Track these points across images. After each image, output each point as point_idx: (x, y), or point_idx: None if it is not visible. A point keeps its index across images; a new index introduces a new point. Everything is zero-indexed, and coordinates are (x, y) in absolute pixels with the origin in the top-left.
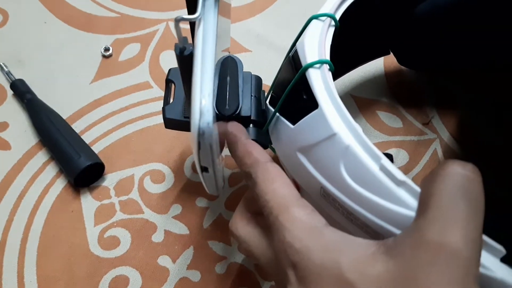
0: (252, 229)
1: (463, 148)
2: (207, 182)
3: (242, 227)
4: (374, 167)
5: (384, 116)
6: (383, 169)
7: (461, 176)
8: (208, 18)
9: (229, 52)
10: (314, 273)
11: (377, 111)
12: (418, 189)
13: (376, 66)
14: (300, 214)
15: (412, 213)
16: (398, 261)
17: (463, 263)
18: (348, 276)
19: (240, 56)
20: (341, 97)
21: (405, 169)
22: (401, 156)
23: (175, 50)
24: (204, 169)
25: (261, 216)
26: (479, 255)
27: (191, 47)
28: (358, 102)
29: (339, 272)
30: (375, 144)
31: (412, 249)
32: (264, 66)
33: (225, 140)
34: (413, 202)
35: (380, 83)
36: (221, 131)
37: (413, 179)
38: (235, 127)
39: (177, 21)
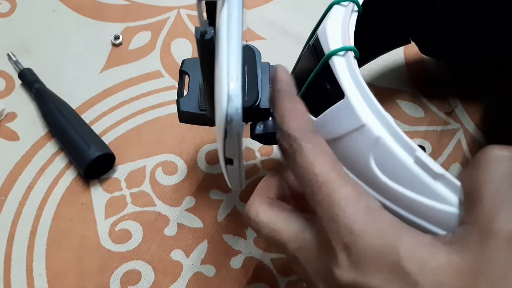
0: (277, 213)
1: (488, 138)
2: (230, 176)
3: (264, 211)
4: (408, 159)
5: (405, 106)
6: (418, 161)
7: (507, 159)
8: None
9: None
10: (369, 257)
11: (398, 100)
12: (458, 182)
13: (396, 54)
14: (356, 192)
15: (452, 209)
16: (463, 254)
17: None
18: (406, 265)
19: (254, 44)
20: None
21: None
22: (425, 146)
23: (196, 34)
24: (228, 161)
25: (283, 201)
26: None
27: (212, 31)
28: (377, 91)
29: (397, 259)
30: None
31: (479, 241)
32: (279, 53)
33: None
34: (453, 198)
35: (401, 72)
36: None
37: None
38: (284, 75)
39: (200, 1)
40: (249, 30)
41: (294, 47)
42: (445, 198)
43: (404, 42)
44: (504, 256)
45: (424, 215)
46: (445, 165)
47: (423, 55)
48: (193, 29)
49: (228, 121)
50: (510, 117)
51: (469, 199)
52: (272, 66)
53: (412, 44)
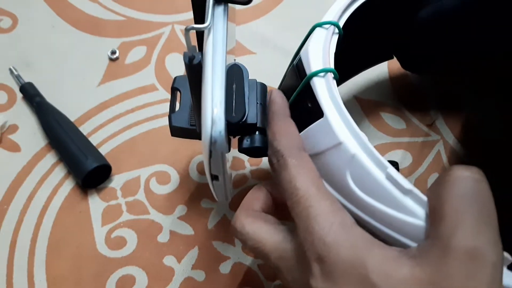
0: (261, 225)
1: (467, 149)
2: (217, 190)
3: (250, 223)
4: (380, 176)
5: (388, 118)
6: (389, 177)
7: (470, 179)
8: (217, 27)
9: (234, 54)
10: (341, 269)
11: (381, 113)
12: (424, 198)
13: (380, 68)
14: (332, 207)
15: (419, 222)
16: (425, 267)
17: (491, 267)
18: (373, 278)
19: (244, 58)
20: (346, 99)
21: (409, 171)
22: (405, 157)
23: (184, 59)
24: (214, 177)
25: (267, 213)
26: (503, 259)
27: (200, 56)
28: (362, 104)
29: (365, 272)
30: (379, 145)
31: (439, 256)
32: (268, 68)
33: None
34: (420, 211)
35: (384, 85)
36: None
37: (417, 180)
38: (279, 98)
39: (187, 30)
40: (240, 44)
41: (283, 62)
42: (413, 211)
43: (387, 57)
44: (461, 270)
45: (395, 227)
46: (425, 175)
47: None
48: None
49: (212, 142)
50: (488, 129)
51: (434, 215)
52: (259, 83)
53: (395, 58)
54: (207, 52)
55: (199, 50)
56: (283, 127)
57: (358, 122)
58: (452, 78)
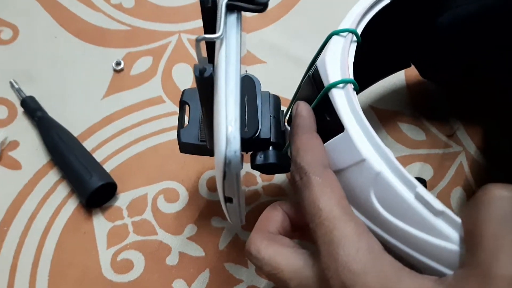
0: (278, 249)
1: (490, 161)
2: (230, 213)
3: (266, 247)
4: (408, 195)
5: (407, 128)
6: (418, 197)
7: (507, 199)
8: (230, 37)
9: (245, 63)
10: None
11: (399, 123)
12: (458, 219)
13: (397, 77)
14: (358, 231)
15: (452, 246)
16: None
17: None
18: None
19: (254, 67)
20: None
21: (430, 184)
22: (426, 170)
23: (194, 72)
24: (228, 200)
25: (284, 235)
26: None
27: (211, 68)
28: (378, 114)
29: None
30: (397, 158)
31: (478, 285)
32: (280, 77)
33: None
34: (454, 234)
35: (402, 94)
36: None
37: (439, 194)
38: (305, 111)
39: (198, 41)
40: (250, 54)
41: (295, 71)
42: (446, 235)
43: (405, 66)
44: None
45: (425, 251)
46: (447, 189)
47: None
48: (194, 54)
49: (227, 163)
50: (509, 139)
51: (470, 239)
52: (272, 95)
53: (413, 66)
54: (219, 64)
55: (209, 62)
56: (307, 142)
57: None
58: (470, 88)
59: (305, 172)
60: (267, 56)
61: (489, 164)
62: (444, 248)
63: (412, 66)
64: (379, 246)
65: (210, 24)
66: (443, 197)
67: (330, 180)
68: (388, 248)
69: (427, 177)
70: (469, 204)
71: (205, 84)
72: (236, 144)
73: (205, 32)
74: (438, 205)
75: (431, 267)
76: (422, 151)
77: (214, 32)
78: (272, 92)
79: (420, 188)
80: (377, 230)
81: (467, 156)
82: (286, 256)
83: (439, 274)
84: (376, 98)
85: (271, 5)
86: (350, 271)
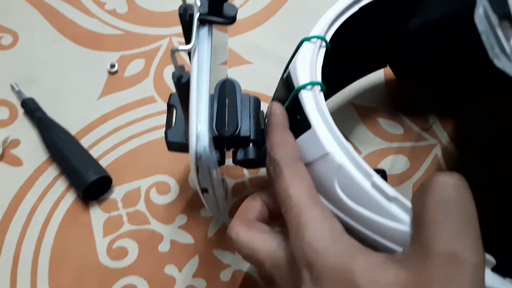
0: (255, 234)
1: (463, 153)
2: (208, 202)
3: (244, 233)
4: (366, 184)
5: (385, 123)
6: (374, 185)
7: (450, 186)
8: (202, 48)
9: (227, 65)
10: (328, 275)
11: (378, 118)
12: (409, 204)
13: (376, 74)
14: (323, 215)
15: (404, 227)
16: (408, 272)
17: (471, 270)
18: (359, 283)
19: (241, 68)
20: (342, 106)
21: (406, 175)
22: (402, 162)
23: (173, 78)
24: (204, 190)
25: (262, 222)
26: (484, 261)
27: (188, 75)
28: (359, 110)
29: (352, 277)
30: (376, 151)
31: (421, 260)
32: (265, 77)
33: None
34: (405, 217)
35: (381, 91)
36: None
37: (415, 185)
38: (279, 110)
39: (173, 52)
40: (236, 55)
41: (279, 71)
42: (398, 217)
43: (381, 66)
44: (441, 273)
45: (381, 232)
46: (422, 179)
47: None
48: (185, 56)
49: (198, 158)
50: (483, 132)
51: (417, 221)
52: (252, 96)
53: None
54: (192, 72)
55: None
56: (280, 138)
57: (355, 129)
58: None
59: (278, 163)
60: (253, 57)
61: (462, 155)
62: (397, 229)
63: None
64: (341, 228)
65: (189, 35)
66: (418, 186)
67: (300, 171)
68: (351, 231)
69: (404, 168)
70: (418, 190)
71: (183, 89)
72: (205, 140)
73: (186, 42)
74: (391, 191)
75: (386, 246)
76: (399, 144)
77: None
78: (257, 90)
79: (376, 177)
80: (341, 215)
81: (442, 148)
82: (261, 240)
83: (394, 252)
84: (357, 95)
85: (257, 8)
86: (313, 249)
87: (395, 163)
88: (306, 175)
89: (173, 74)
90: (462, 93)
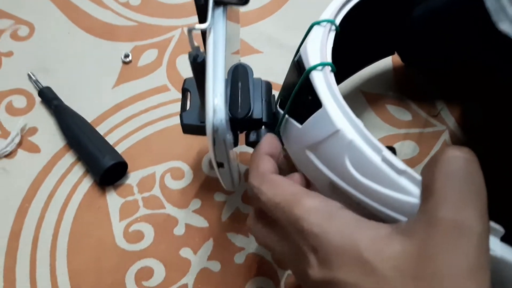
0: (262, 226)
1: (472, 138)
2: (223, 178)
3: (254, 224)
4: (376, 158)
5: (393, 110)
6: (384, 160)
7: (460, 158)
8: (217, 26)
9: (239, 54)
10: (334, 254)
11: (387, 105)
12: (418, 177)
13: (384, 61)
14: (313, 202)
15: (414, 200)
16: (414, 240)
17: (476, 238)
18: (367, 255)
19: (251, 57)
20: (351, 93)
21: (415, 161)
22: (411, 148)
23: (189, 58)
24: (220, 165)
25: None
26: (489, 230)
27: (203, 55)
28: (367, 97)
29: (358, 252)
30: (385, 137)
31: (426, 228)
32: (275, 66)
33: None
34: (415, 190)
35: (389, 78)
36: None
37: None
38: (266, 141)
39: (189, 31)
40: (247, 45)
41: (288, 59)
42: (408, 190)
43: (389, 53)
44: (446, 240)
45: (391, 205)
46: None
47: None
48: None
49: (215, 130)
50: (490, 117)
51: (425, 192)
52: (264, 81)
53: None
54: (208, 50)
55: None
56: (253, 163)
57: (364, 115)
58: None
59: (254, 186)
60: (263, 46)
61: (470, 140)
62: (407, 202)
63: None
64: (338, 206)
65: (203, 17)
66: None
67: (275, 180)
68: (362, 206)
69: (413, 154)
70: (428, 162)
71: (198, 68)
72: (221, 113)
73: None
74: (401, 165)
75: (396, 220)
76: (408, 130)
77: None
78: (267, 78)
79: (386, 151)
80: (352, 191)
81: (450, 134)
82: (266, 231)
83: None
84: (365, 83)
85: None
86: (315, 235)
87: (404, 149)
88: (282, 179)
89: (190, 53)
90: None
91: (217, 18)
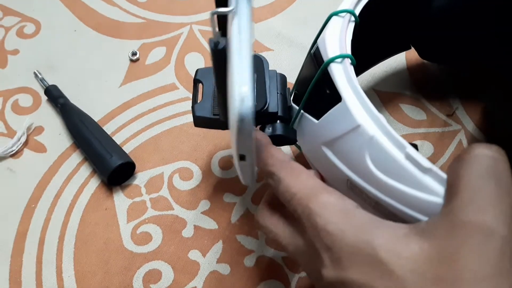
0: (277, 219)
1: (489, 139)
2: (243, 171)
3: (268, 217)
4: (399, 155)
5: (408, 109)
6: (408, 157)
7: (488, 157)
8: (242, 10)
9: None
10: (349, 253)
11: (400, 104)
12: (444, 175)
13: (398, 59)
14: (330, 198)
15: (439, 200)
16: (433, 242)
17: (499, 242)
18: (382, 256)
19: (262, 55)
20: (364, 92)
21: (431, 160)
22: (426, 148)
23: (210, 44)
24: (241, 158)
25: (284, 209)
26: None
27: (224, 41)
28: (381, 96)
29: (373, 252)
30: None
31: (448, 230)
32: (286, 64)
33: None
34: (440, 189)
35: (403, 77)
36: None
37: None
38: (260, 134)
39: (213, 14)
40: (257, 42)
41: (300, 57)
42: (433, 189)
43: (404, 48)
44: (469, 244)
45: (414, 205)
46: (447, 165)
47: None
48: (204, 43)
49: (241, 119)
50: (509, 117)
51: (449, 191)
52: (279, 73)
53: (413, 49)
54: (233, 35)
55: (222, 36)
56: (266, 152)
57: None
58: (470, 67)
59: (273, 172)
60: (274, 43)
61: (487, 140)
62: (431, 201)
63: (412, 50)
64: (354, 205)
65: (223, 2)
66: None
67: (294, 167)
68: (382, 206)
69: (428, 154)
70: (454, 160)
71: (219, 56)
72: (249, 101)
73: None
74: (426, 163)
75: (418, 220)
76: (423, 130)
77: (224, 15)
78: None
79: (410, 148)
80: (371, 190)
81: (466, 133)
82: (282, 225)
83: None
84: (378, 81)
85: None
86: (328, 233)
87: (419, 149)
88: (303, 169)
89: (210, 40)
90: (487, 77)
91: (241, 1)
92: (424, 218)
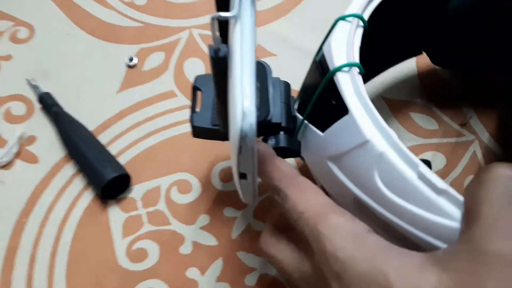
0: (283, 246)
1: (505, 149)
2: (243, 190)
3: (272, 245)
4: (411, 175)
5: (419, 118)
6: (421, 177)
7: (509, 179)
8: (245, 16)
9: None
10: (360, 282)
11: (411, 112)
12: (460, 197)
13: (408, 66)
14: (340, 220)
15: (454, 224)
16: (453, 273)
17: None
18: (396, 286)
19: (265, 60)
20: (372, 100)
21: (443, 173)
22: (438, 159)
23: (209, 51)
24: (242, 176)
25: (291, 232)
26: None
27: (225, 48)
28: (390, 104)
29: (386, 282)
30: (409, 147)
31: (469, 261)
32: (289, 69)
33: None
34: (456, 212)
35: (413, 84)
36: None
37: (452, 183)
38: (263, 146)
39: (213, 19)
40: (260, 47)
41: (304, 63)
42: (448, 213)
43: (416, 53)
44: (494, 277)
45: (428, 229)
46: (461, 178)
47: (435, 65)
48: (205, 48)
49: (243, 137)
50: None
51: (468, 216)
52: (283, 81)
53: (424, 55)
54: (235, 42)
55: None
56: (271, 165)
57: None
58: (485, 74)
59: (279, 188)
60: (277, 48)
61: (504, 152)
62: (447, 226)
63: (423, 55)
64: (366, 230)
65: (224, 6)
66: (456, 185)
67: (302, 184)
68: (392, 228)
69: (440, 166)
70: (472, 182)
71: (220, 64)
72: (252, 117)
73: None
74: (440, 183)
75: (434, 246)
76: (434, 140)
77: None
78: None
79: (423, 167)
80: (380, 210)
81: (480, 144)
82: (287, 253)
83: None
84: (387, 89)
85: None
86: (338, 259)
87: (431, 160)
88: (311, 185)
89: (210, 47)
90: (502, 84)
91: (244, 6)
92: (438, 242)
